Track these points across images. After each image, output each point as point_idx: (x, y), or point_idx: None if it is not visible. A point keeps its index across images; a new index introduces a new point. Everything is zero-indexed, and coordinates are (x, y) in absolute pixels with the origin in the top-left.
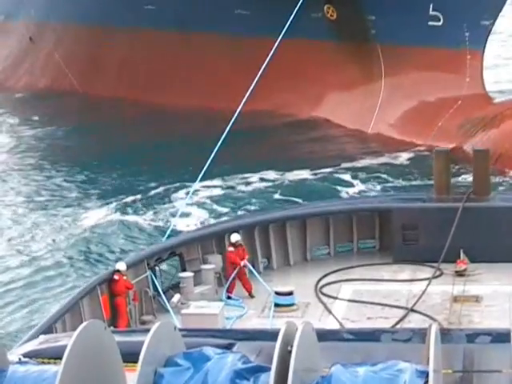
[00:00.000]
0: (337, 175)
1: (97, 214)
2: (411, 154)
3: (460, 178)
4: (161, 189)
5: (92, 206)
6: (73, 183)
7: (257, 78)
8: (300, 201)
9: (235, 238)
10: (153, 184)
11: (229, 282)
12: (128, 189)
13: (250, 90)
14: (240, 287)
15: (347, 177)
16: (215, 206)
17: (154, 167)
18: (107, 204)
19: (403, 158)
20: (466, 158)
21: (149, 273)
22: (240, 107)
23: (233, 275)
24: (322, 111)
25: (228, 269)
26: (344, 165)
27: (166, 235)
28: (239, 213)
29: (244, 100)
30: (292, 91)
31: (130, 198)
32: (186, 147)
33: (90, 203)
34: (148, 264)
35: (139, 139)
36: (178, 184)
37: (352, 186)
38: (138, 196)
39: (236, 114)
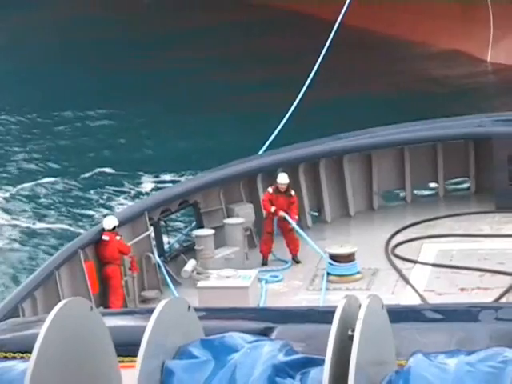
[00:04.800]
0: None
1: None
2: None
3: None
4: None
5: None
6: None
7: None
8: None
9: (284, 179)
10: None
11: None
12: None
13: None
14: (281, 248)
15: None
16: None
17: None
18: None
19: None
20: None
21: (151, 231)
22: None
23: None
24: None
25: (265, 223)
26: None
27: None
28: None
29: None
30: None
31: None
32: None
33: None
34: (150, 219)
35: None
36: None
37: None
38: None
39: None
